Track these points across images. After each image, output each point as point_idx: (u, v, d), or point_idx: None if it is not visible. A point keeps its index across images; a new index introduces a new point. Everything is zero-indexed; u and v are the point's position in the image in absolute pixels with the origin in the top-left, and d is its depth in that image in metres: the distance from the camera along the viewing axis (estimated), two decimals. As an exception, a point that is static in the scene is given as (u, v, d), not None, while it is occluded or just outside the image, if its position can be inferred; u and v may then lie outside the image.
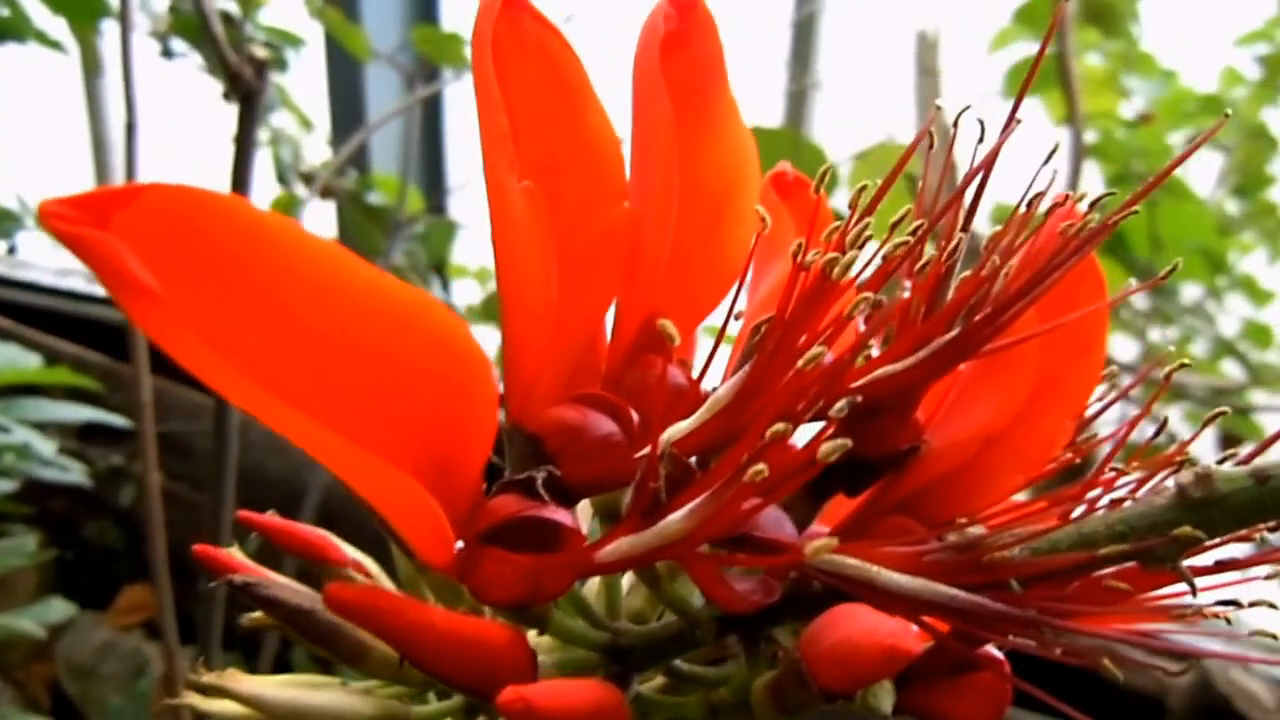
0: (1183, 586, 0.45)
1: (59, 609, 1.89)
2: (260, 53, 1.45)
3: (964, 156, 0.52)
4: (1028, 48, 2.67)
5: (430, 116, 2.91)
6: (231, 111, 2.60)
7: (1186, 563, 0.44)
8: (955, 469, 0.53)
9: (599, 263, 0.51)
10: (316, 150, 2.63)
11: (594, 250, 0.50)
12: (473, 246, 2.65)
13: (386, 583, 0.58)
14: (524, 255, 0.46)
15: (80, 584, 2.47)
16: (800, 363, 0.43)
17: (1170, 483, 0.44)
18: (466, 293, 2.64)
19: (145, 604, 2.45)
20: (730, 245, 0.56)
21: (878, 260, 0.49)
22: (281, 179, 2.43)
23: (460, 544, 0.45)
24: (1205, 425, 0.49)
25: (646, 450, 0.45)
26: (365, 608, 0.41)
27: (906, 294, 0.50)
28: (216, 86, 2.59)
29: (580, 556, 0.45)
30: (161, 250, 0.34)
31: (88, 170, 3.30)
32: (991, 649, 0.51)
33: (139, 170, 1.67)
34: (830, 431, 0.42)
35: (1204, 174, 2.98)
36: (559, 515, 0.45)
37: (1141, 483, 0.47)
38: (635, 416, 0.50)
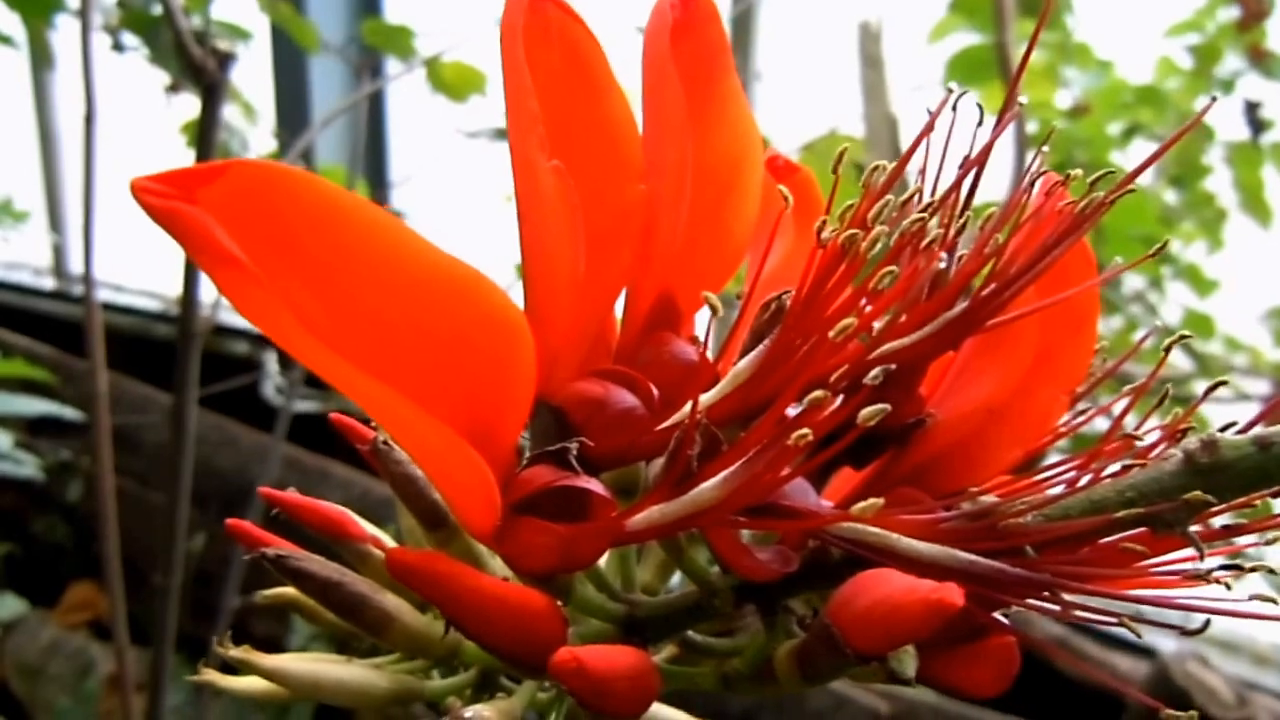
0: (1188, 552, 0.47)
1: (10, 606, 1.87)
2: (223, 45, 1.44)
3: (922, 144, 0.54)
4: (966, 37, 2.70)
5: (374, 110, 2.90)
6: (178, 104, 2.59)
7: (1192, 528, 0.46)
8: (958, 442, 0.55)
9: (616, 241, 0.52)
10: (262, 142, 2.62)
11: (612, 228, 0.52)
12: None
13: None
14: (553, 232, 0.48)
15: (28, 581, 2.44)
16: (832, 333, 0.45)
17: (1177, 451, 0.46)
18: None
19: (92, 602, 2.43)
20: (735, 224, 0.58)
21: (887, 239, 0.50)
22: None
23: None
24: (1211, 390, 0.51)
25: (674, 420, 0.47)
26: (425, 570, 0.43)
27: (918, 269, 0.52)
28: (162, 79, 2.58)
29: (612, 525, 0.47)
30: (245, 224, 0.36)
31: (34, 161, 3.27)
32: (998, 616, 0.53)
33: (96, 160, 1.66)
34: (866, 397, 0.43)
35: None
36: (592, 485, 0.47)
37: (1146, 451, 0.49)
38: (655, 391, 0.51)
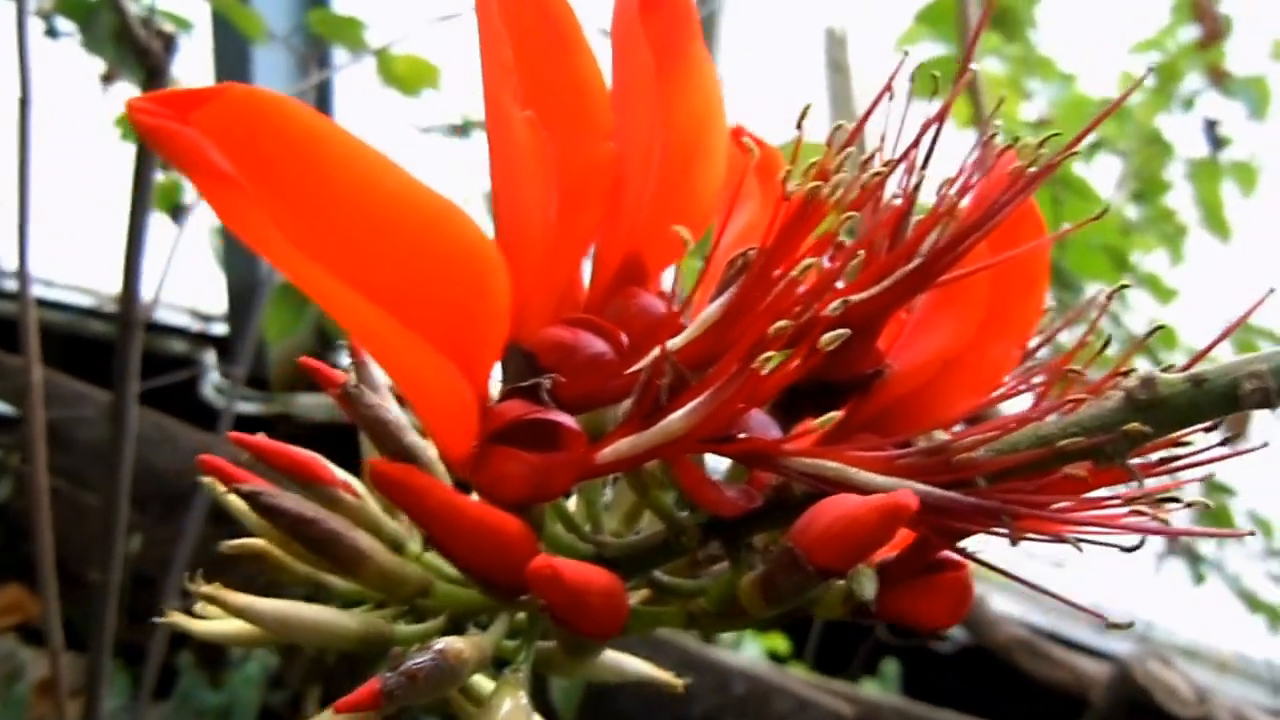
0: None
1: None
2: (168, 27, 1.48)
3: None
4: (933, 47, 2.78)
5: (320, 104, 2.93)
6: (112, 95, 2.60)
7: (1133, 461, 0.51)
8: (914, 392, 0.60)
9: (585, 196, 0.57)
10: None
11: (581, 184, 0.56)
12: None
13: (374, 503, 0.63)
14: (525, 179, 0.52)
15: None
16: (795, 271, 0.50)
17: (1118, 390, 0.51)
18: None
19: (20, 605, 2.44)
20: (702, 187, 0.63)
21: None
22: (166, 164, 2.43)
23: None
24: (1149, 336, 0.56)
25: (648, 360, 0.51)
26: (405, 483, 0.47)
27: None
28: (97, 69, 2.59)
29: (584, 456, 0.51)
30: (237, 144, 0.40)
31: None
32: (951, 553, 0.58)
33: (30, 148, 1.67)
34: (825, 331, 0.48)
35: (1104, 179, 3.12)
36: (564, 418, 0.51)
37: (1090, 391, 0.54)
38: (625, 339, 0.56)
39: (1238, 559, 2.99)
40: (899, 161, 0.55)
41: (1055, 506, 0.51)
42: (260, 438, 0.62)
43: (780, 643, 3.02)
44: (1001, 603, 2.74)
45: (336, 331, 2.87)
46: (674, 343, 0.53)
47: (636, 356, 0.56)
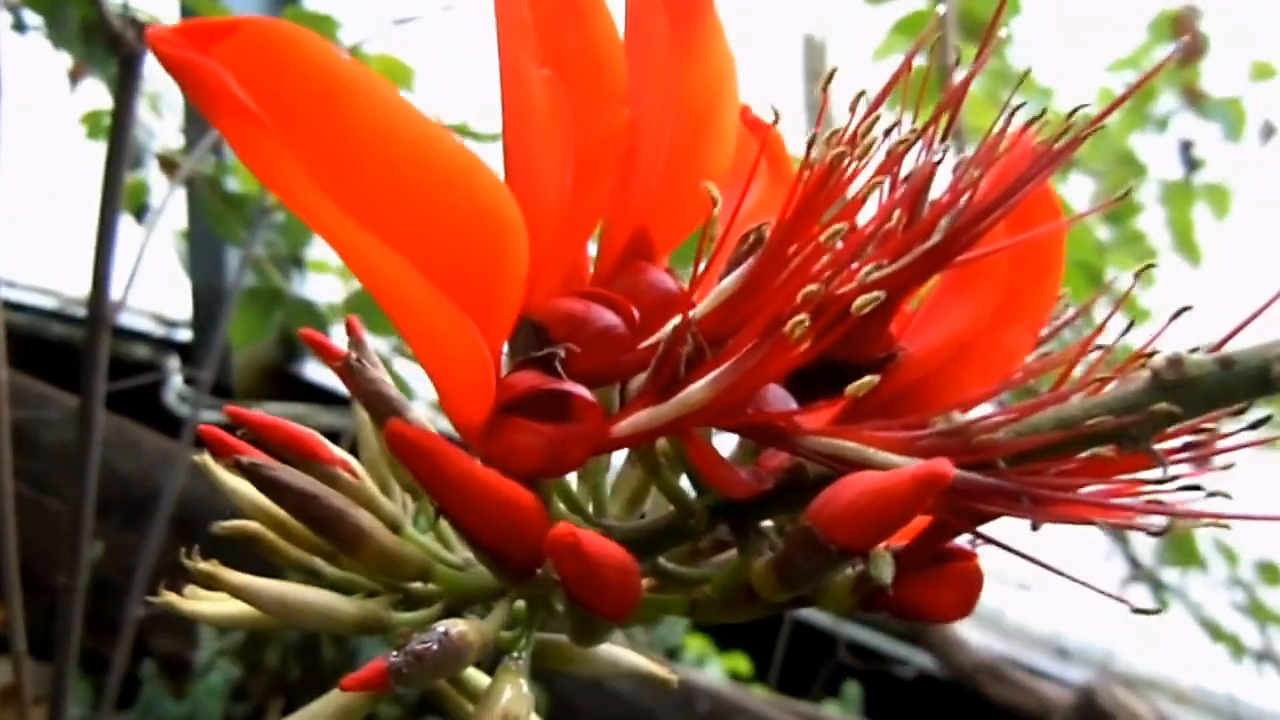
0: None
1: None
2: (142, 16, 1.46)
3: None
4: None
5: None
6: (80, 93, 2.58)
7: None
8: (927, 376, 0.59)
9: (598, 165, 0.56)
10: (171, 137, 2.62)
11: (596, 150, 0.55)
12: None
13: (371, 483, 0.62)
14: (542, 142, 0.51)
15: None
16: (824, 237, 0.49)
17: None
18: (327, 289, 2.64)
19: (-21, 613, 2.39)
20: (712, 162, 0.62)
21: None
22: (135, 162, 2.41)
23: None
24: (1176, 316, 0.56)
25: (668, 328, 0.50)
26: (425, 446, 0.45)
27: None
28: (64, 65, 2.57)
29: (599, 428, 0.50)
30: (258, 78, 0.39)
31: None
32: (963, 543, 0.57)
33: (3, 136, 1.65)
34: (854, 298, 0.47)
35: (1077, 198, 3.14)
36: (579, 389, 0.50)
37: (1113, 374, 0.54)
38: (636, 313, 0.55)
39: (1201, 588, 3.00)
40: (926, 129, 0.55)
41: (1079, 489, 0.51)
42: (258, 413, 0.60)
43: (742, 663, 3.02)
44: (963, 628, 2.74)
45: (301, 340, 2.83)
46: (697, 310, 0.53)
47: (647, 332, 0.55)
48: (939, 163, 0.56)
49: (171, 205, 2.45)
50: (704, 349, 0.51)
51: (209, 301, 2.92)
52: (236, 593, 0.57)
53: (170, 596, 0.61)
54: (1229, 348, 0.51)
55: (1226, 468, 0.54)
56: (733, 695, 2.50)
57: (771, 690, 2.85)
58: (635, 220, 0.59)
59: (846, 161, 0.52)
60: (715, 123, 0.61)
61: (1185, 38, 3.35)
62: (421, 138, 0.43)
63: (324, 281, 2.66)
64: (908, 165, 0.56)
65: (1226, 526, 0.51)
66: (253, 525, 0.63)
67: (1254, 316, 0.51)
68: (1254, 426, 0.51)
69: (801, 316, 0.46)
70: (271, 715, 2.43)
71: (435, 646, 0.51)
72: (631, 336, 0.54)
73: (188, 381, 2.74)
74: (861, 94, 0.55)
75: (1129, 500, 0.51)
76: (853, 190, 0.53)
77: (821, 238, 0.49)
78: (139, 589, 2.01)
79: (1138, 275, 0.58)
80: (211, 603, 0.61)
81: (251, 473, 0.54)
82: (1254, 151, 3.45)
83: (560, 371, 0.50)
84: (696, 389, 0.49)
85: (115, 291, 1.69)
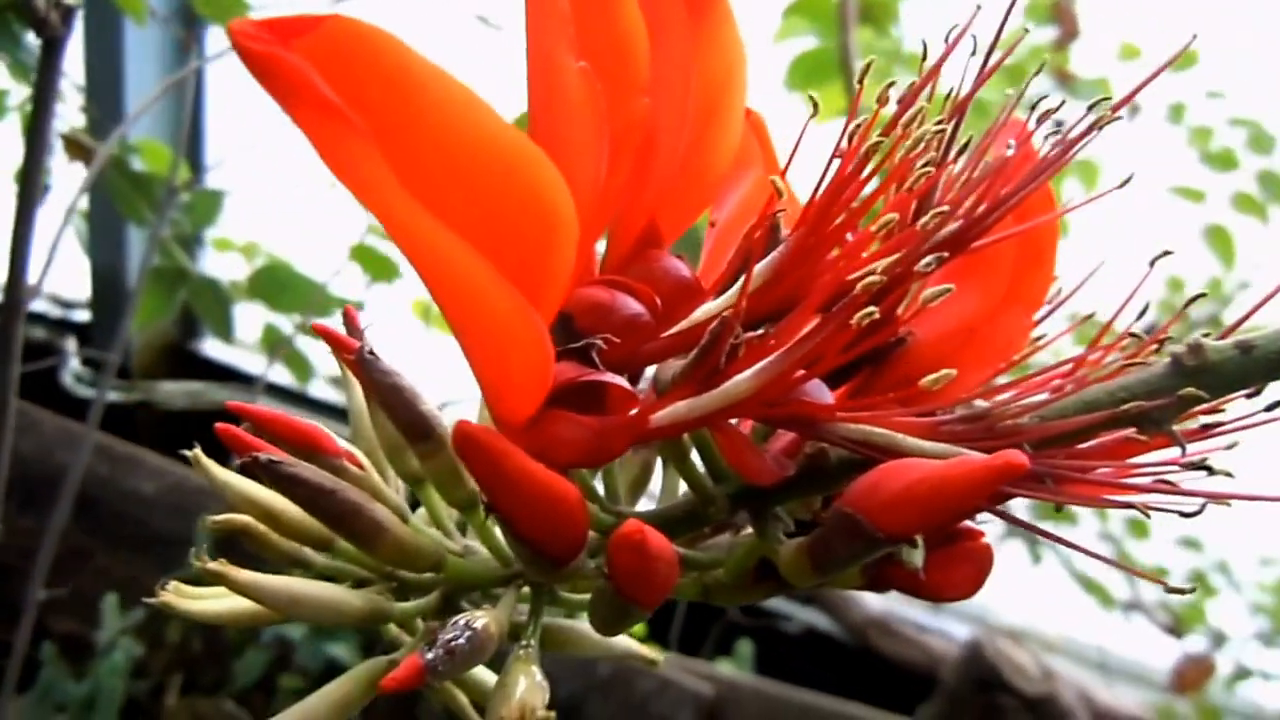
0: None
1: None
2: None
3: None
4: (808, 41, 2.80)
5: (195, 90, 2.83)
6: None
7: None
8: (935, 362, 0.59)
9: (621, 153, 0.55)
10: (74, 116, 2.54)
11: (618, 140, 0.54)
12: (236, 221, 2.59)
13: (376, 475, 0.60)
14: (576, 137, 0.50)
15: None
16: (875, 227, 0.48)
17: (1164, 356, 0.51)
18: (230, 267, 2.58)
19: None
20: (718, 152, 0.61)
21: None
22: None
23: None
24: (1193, 301, 0.57)
25: (716, 319, 0.49)
26: (490, 445, 0.44)
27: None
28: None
29: (638, 420, 0.49)
30: (339, 73, 0.38)
31: None
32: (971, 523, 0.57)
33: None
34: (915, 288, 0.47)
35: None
36: (619, 380, 0.49)
37: (1131, 357, 0.55)
38: (659, 301, 0.54)
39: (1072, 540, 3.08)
40: (959, 108, 0.55)
41: (1103, 471, 0.51)
42: (259, 406, 0.58)
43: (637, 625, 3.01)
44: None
45: (198, 319, 2.77)
46: (721, 300, 0.52)
47: (669, 320, 0.54)
48: (961, 151, 0.57)
49: (65, 185, 2.38)
50: (740, 340, 0.50)
51: (110, 282, 2.83)
52: (245, 591, 0.55)
53: (167, 596, 0.58)
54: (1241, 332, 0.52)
55: (1230, 447, 0.55)
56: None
57: (672, 650, 2.86)
58: (650, 209, 0.58)
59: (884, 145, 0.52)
60: (725, 110, 0.61)
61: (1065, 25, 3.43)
62: (491, 130, 0.42)
63: (226, 260, 2.60)
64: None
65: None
66: (241, 518, 0.61)
67: (1269, 297, 0.52)
68: (1270, 409, 0.52)
69: (871, 308, 0.46)
70: (172, 691, 2.37)
71: (465, 641, 0.50)
72: (655, 325, 0.53)
73: (86, 362, 2.65)
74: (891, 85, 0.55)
75: (1144, 480, 0.51)
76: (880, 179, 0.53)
77: (875, 227, 0.49)
78: (41, 571, 1.95)
79: (1156, 260, 0.59)
80: (214, 601, 0.59)
81: (268, 469, 0.52)
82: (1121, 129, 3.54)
83: (597, 362, 0.50)
84: (742, 379, 0.48)
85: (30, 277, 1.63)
